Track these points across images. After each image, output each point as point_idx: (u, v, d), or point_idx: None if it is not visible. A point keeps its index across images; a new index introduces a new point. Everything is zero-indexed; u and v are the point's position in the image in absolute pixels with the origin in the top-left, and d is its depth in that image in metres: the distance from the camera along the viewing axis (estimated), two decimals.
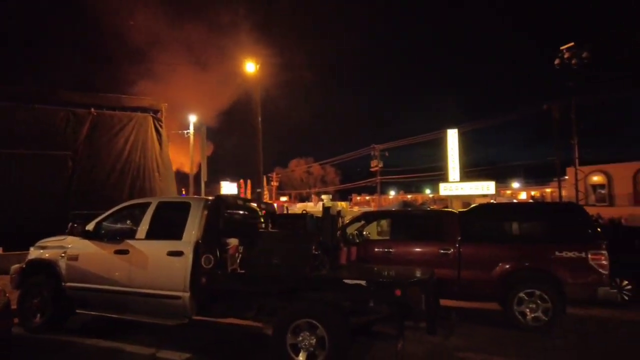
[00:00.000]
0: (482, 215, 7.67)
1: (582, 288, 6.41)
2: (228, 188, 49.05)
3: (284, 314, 4.63)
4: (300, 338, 4.48)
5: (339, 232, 6.54)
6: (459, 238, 7.02)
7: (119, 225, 6.10)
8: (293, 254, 4.91)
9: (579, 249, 6.47)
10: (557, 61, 21.36)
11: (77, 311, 5.75)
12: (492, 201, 32.95)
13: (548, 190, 49.16)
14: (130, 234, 5.67)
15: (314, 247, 4.82)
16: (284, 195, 71.98)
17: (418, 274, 5.12)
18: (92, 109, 12.62)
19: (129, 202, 6.43)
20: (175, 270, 5.12)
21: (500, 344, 5.82)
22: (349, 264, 6.01)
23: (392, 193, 74.80)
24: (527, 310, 6.47)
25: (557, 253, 6.54)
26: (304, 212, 6.32)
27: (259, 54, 16.78)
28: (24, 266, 6.19)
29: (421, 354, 5.25)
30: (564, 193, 29.72)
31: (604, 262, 6.38)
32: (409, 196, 67.50)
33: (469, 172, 36.35)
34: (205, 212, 5.31)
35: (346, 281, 4.51)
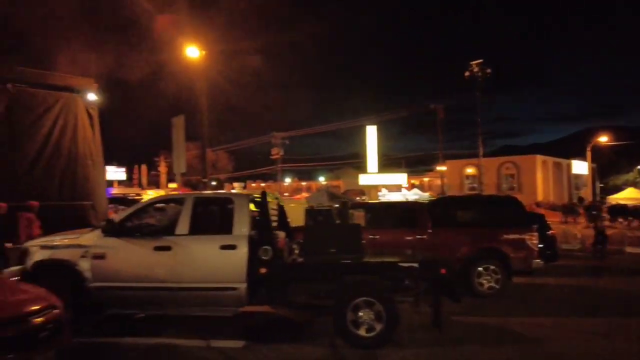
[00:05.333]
0: (445, 206, 9.19)
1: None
2: (116, 174, 44.97)
3: (344, 295, 5.27)
4: (361, 314, 5.21)
5: None
6: (429, 224, 8.40)
7: (147, 222, 5.97)
8: (346, 242, 5.66)
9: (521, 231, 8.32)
10: (467, 73, 25.03)
11: (108, 312, 5.56)
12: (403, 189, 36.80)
13: (426, 179, 56.07)
14: (167, 230, 5.67)
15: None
16: (172, 182, 68.13)
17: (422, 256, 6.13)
18: (9, 85, 10.91)
19: (155, 198, 6.28)
20: (230, 262, 5.36)
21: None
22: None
23: (287, 180, 76.48)
24: (484, 280, 8.11)
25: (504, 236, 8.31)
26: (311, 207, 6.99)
27: (203, 39, 16.03)
28: (30, 269, 5.64)
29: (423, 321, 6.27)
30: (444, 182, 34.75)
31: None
32: (304, 183, 69.89)
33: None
34: (251, 207, 5.66)
35: (401, 264, 5.39)
